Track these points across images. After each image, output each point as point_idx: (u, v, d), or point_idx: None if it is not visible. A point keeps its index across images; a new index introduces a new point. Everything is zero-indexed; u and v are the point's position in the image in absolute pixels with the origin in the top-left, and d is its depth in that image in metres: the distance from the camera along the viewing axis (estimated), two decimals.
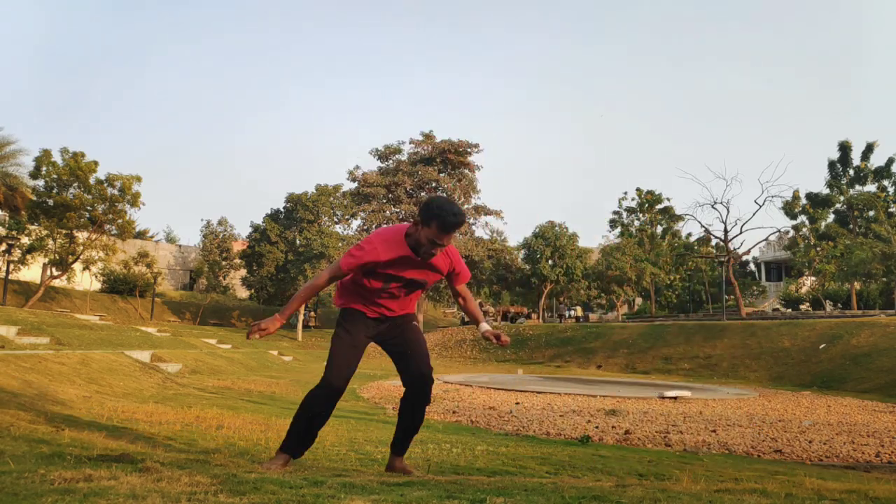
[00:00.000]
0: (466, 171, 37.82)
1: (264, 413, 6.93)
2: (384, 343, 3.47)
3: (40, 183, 26.25)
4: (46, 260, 27.52)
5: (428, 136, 37.97)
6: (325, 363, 3.34)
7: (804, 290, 40.57)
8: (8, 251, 27.40)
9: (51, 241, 26.97)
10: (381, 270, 3.22)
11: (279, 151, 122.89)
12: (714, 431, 7.92)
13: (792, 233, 42.89)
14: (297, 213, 33.72)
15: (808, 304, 38.46)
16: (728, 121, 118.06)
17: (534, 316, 41.23)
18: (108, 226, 27.54)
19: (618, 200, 48.14)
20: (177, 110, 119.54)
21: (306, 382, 13.26)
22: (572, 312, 39.97)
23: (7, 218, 27.85)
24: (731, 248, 36.43)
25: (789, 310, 37.34)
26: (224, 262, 38.80)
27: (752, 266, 54.71)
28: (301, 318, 33.93)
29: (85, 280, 31.07)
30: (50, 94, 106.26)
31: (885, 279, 33.70)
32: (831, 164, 42.33)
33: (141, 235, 47.55)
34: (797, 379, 18.40)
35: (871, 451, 6.88)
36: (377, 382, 14.80)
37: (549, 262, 37.61)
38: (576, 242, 38.40)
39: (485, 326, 3.43)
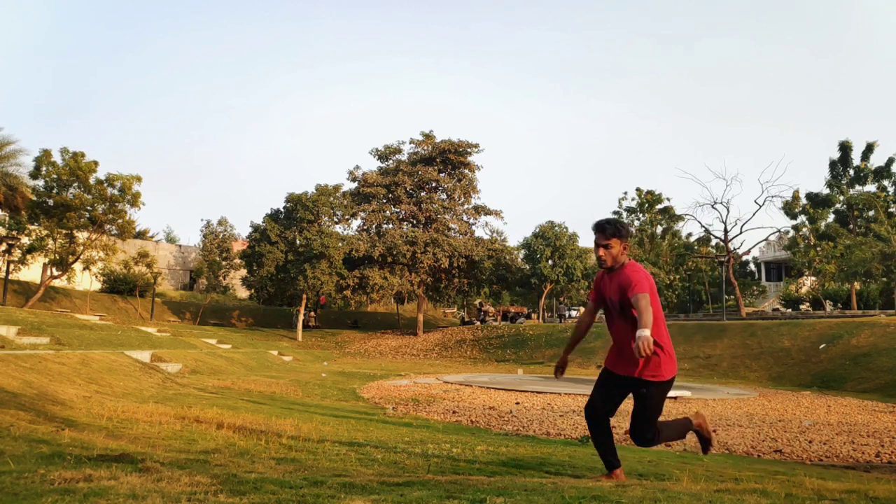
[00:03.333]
0: (466, 171, 37.81)
1: (264, 413, 6.92)
2: None
3: (40, 183, 26.21)
4: (46, 260, 27.51)
5: (428, 136, 37.96)
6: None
7: (804, 290, 40.53)
8: (8, 251, 27.39)
9: (51, 241, 26.95)
10: None
11: (279, 151, 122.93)
12: (714, 431, 7.91)
13: (792, 233, 42.83)
14: (297, 213, 33.67)
15: (808, 304, 38.42)
16: (728, 120, 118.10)
17: (534, 316, 41.21)
18: (108, 226, 27.53)
19: (618, 200, 48.20)
20: (177, 110, 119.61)
21: (306, 382, 13.25)
22: (574, 313, 39.93)
23: (7, 218, 27.83)
24: (731, 248, 36.43)
25: (789, 310, 37.31)
26: (224, 262, 38.80)
27: (752, 266, 54.69)
28: (301, 317, 33.91)
29: (85, 280, 31.07)
30: (50, 94, 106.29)
31: (885, 279, 33.67)
32: (832, 164, 42.29)
33: (141, 235, 47.54)
34: (797, 379, 18.39)
35: (871, 451, 6.88)
36: (377, 382, 14.80)
37: (549, 262, 37.61)
38: (576, 242, 38.39)
39: None
